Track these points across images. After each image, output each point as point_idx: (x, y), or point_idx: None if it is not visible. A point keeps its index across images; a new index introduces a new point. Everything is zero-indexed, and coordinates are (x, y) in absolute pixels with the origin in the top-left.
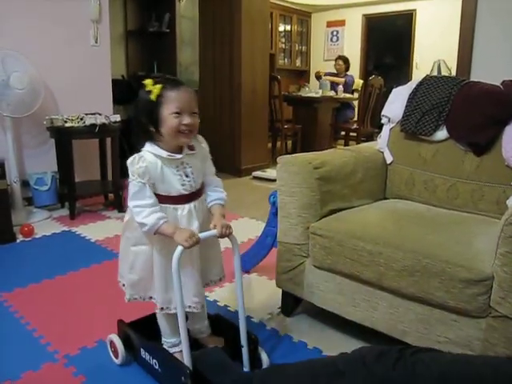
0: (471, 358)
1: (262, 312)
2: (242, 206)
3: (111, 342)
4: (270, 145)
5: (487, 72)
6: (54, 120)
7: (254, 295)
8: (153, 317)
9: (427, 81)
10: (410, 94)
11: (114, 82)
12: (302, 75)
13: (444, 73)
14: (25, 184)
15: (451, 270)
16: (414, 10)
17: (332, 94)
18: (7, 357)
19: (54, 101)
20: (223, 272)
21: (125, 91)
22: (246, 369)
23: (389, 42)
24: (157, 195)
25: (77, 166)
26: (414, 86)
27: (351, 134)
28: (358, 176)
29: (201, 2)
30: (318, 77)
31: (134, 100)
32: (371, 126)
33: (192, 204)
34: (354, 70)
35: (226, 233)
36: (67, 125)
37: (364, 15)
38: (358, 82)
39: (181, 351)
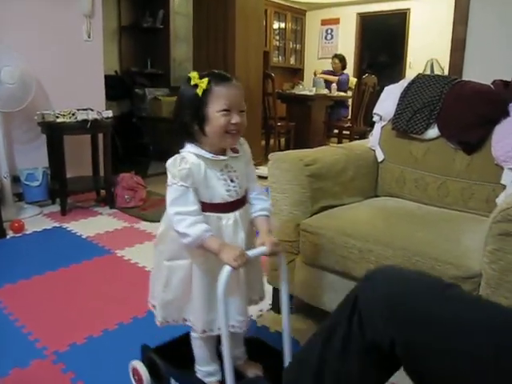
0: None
1: (253, 309)
2: None
3: (134, 370)
4: (263, 142)
5: (479, 72)
6: (46, 115)
7: None
8: (181, 340)
9: (419, 79)
10: (402, 93)
11: (107, 78)
12: (296, 73)
13: (437, 72)
14: (15, 180)
15: (440, 267)
16: (408, 9)
17: (326, 92)
18: None
19: (45, 96)
20: (264, 291)
21: (118, 87)
22: None
23: (383, 40)
24: (200, 202)
25: (68, 161)
26: (405, 84)
27: (344, 132)
28: (349, 173)
29: None
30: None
31: (127, 96)
32: (364, 124)
33: (237, 213)
34: (348, 69)
35: (276, 251)
36: (59, 120)
37: (358, 14)
38: (353, 81)
39: (218, 382)
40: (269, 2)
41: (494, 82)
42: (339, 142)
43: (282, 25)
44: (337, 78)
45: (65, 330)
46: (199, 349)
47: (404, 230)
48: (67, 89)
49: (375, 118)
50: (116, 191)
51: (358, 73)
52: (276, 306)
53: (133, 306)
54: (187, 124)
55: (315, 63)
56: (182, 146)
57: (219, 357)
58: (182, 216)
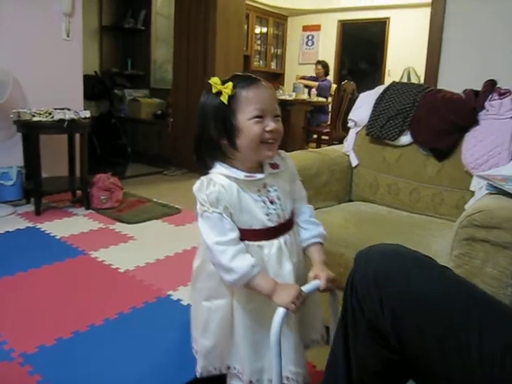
0: None
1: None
2: None
3: None
4: None
5: (453, 80)
6: (22, 114)
7: None
8: None
9: (393, 87)
10: (377, 100)
11: (86, 78)
12: (276, 77)
13: (413, 80)
14: None
15: None
16: (388, 18)
17: (305, 97)
18: None
19: (22, 94)
20: (324, 328)
21: (97, 87)
22: None
23: (363, 48)
24: None
25: (44, 161)
26: (380, 91)
27: (324, 137)
28: (322, 178)
29: (177, 0)
30: None
31: (106, 97)
32: (343, 130)
33: (282, 239)
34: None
35: (331, 288)
36: (35, 119)
37: (339, 21)
38: (334, 87)
39: None
40: (251, 6)
41: (464, 91)
42: (318, 147)
43: (264, 30)
44: (317, 83)
45: (33, 332)
46: None
47: (375, 235)
48: (44, 87)
49: (350, 124)
50: (92, 192)
51: (338, 79)
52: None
53: (105, 307)
54: (214, 139)
55: (296, 68)
56: (209, 167)
57: None
58: (223, 246)
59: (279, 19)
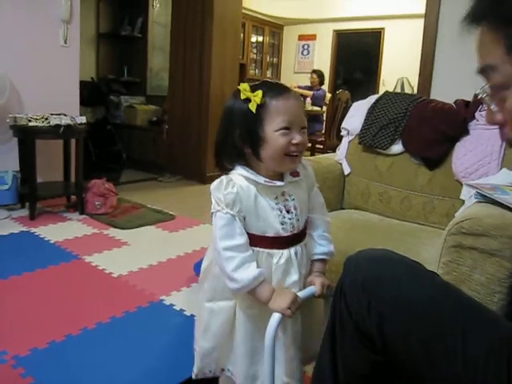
0: None
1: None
2: (205, 213)
3: None
4: None
5: (446, 91)
6: (18, 118)
7: None
8: None
9: (386, 97)
10: (369, 109)
11: (83, 84)
12: None
13: (407, 90)
14: None
15: None
16: (383, 28)
17: None
18: None
19: (18, 99)
20: None
21: (93, 94)
22: None
23: (358, 58)
24: (248, 234)
25: (39, 166)
26: (372, 101)
27: (318, 146)
28: None
29: (174, 8)
30: None
31: (102, 103)
32: (337, 138)
33: (292, 250)
34: (324, 84)
35: (326, 294)
36: (31, 124)
37: (335, 31)
38: (329, 96)
39: None
40: (247, 15)
41: (456, 102)
42: (312, 155)
43: (260, 38)
44: (311, 92)
45: (26, 335)
46: None
47: (366, 242)
48: (41, 93)
49: (343, 133)
50: (86, 197)
51: (333, 88)
52: None
53: (98, 311)
54: (237, 147)
55: (291, 77)
56: (230, 167)
57: None
58: (231, 253)
59: (275, 28)
